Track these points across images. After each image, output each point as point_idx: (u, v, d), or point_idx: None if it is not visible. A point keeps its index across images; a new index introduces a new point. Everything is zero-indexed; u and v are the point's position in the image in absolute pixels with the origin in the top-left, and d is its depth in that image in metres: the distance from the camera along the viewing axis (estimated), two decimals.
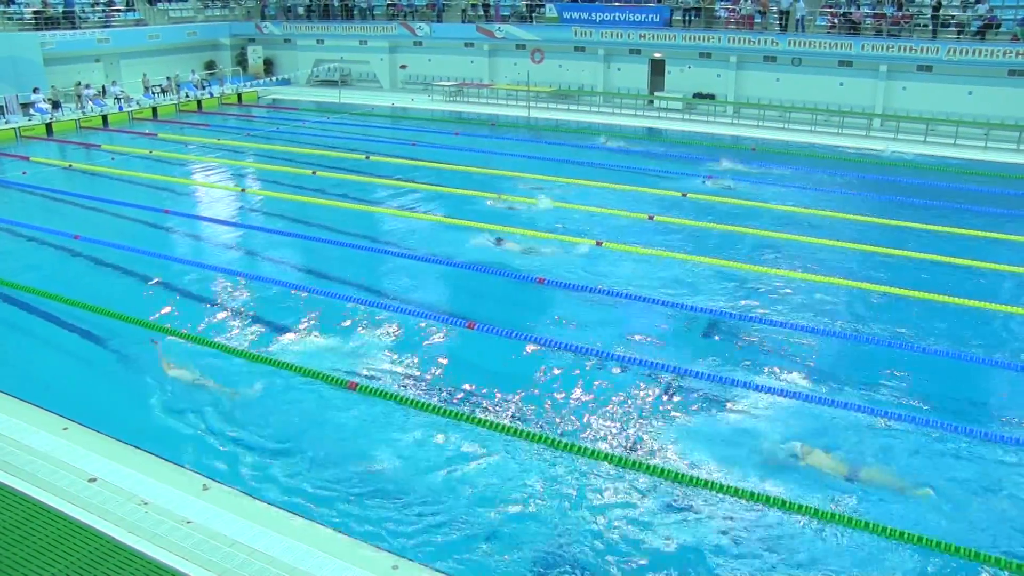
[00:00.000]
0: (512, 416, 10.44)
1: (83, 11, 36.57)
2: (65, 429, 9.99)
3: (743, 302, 14.05)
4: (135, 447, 9.63)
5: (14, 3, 34.51)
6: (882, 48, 29.18)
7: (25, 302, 14.20)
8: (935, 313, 13.56)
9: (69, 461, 9.29)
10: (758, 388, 10.93)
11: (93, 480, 8.92)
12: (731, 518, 8.46)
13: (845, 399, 10.67)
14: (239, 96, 37.75)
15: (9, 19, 33.76)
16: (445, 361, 11.98)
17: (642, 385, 11.23)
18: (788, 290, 14.58)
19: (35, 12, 34.51)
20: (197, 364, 11.67)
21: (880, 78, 29.52)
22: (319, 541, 8.00)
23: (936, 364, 11.80)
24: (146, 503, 8.52)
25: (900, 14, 29.69)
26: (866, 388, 11.13)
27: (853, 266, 15.87)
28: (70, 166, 25.33)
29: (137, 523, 8.19)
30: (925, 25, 29.40)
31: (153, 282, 15.25)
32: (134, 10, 39.08)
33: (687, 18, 33.23)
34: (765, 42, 31.10)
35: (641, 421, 10.34)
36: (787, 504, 8.57)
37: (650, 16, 33.46)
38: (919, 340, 12.42)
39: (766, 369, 11.65)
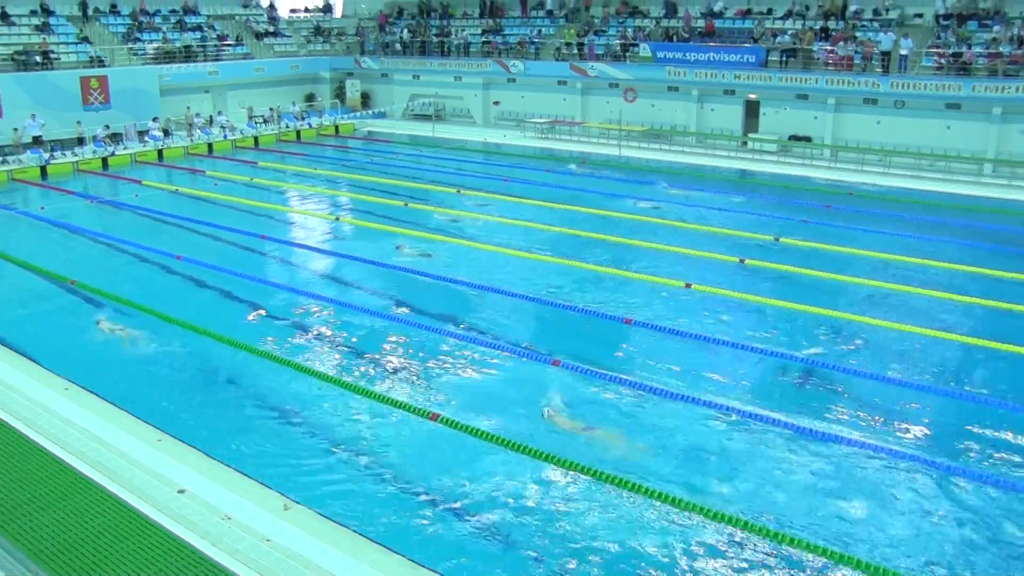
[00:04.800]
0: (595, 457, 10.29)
1: (196, 46, 38.61)
2: (159, 440, 10.35)
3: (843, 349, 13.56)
4: (222, 462, 9.89)
5: (140, 40, 36.75)
6: (997, 89, 27.74)
7: (128, 315, 14.84)
8: None
9: (161, 471, 9.60)
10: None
11: (182, 492, 9.18)
12: None
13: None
14: (336, 128, 39.01)
15: (135, 55, 35.98)
16: (527, 395, 11.92)
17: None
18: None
19: (156, 47, 36.69)
20: (282, 386, 11.95)
21: (993, 121, 28.04)
22: (392, 567, 7.99)
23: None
24: (229, 518, 8.70)
25: (1020, 52, 28.22)
26: None
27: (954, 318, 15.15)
28: (177, 190, 26.62)
29: (220, 537, 8.36)
30: None
31: (246, 304, 15.74)
32: (242, 44, 41.04)
33: (783, 59, 32.72)
34: (866, 84, 30.27)
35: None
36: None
37: (745, 56, 33.07)
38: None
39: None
